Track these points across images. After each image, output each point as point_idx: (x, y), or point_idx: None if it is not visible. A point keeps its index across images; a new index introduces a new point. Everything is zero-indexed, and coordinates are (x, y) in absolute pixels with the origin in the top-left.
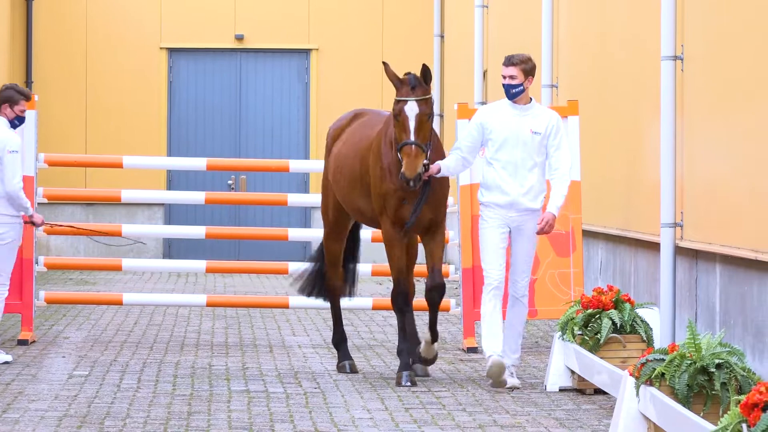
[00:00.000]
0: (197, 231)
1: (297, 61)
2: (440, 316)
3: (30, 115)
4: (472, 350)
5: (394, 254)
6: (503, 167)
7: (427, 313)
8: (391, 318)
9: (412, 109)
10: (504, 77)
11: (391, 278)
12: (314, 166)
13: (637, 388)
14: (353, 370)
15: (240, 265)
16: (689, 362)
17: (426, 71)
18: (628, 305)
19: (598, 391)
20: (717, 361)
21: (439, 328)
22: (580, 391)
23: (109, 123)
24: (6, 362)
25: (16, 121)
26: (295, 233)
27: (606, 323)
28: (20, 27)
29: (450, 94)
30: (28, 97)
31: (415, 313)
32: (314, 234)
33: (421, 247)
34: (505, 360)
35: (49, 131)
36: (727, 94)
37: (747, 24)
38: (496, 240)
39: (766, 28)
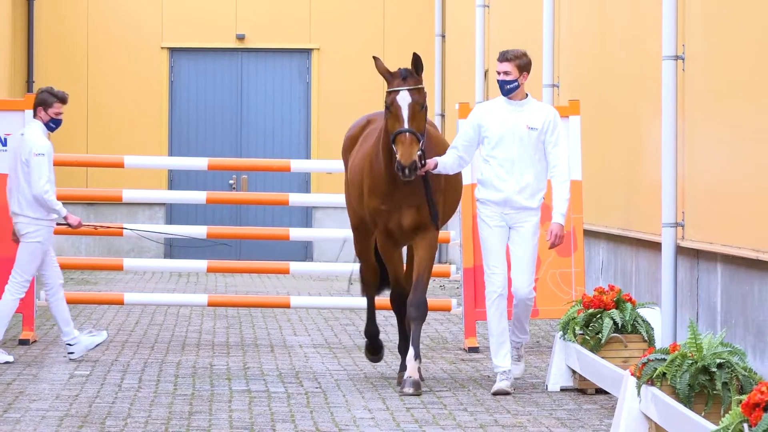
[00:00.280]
0: (198, 231)
1: (298, 60)
2: (441, 315)
3: (31, 116)
4: (474, 350)
5: (391, 262)
6: (500, 164)
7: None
8: (392, 318)
9: (404, 98)
10: (498, 73)
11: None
12: (315, 165)
13: (639, 387)
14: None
15: (241, 265)
16: (690, 362)
17: (417, 60)
18: (629, 305)
19: (600, 391)
20: (718, 360)
21: (439, 327)
22: (582, 391)
23: (110, 123)
24: (7, 362)
25: (52, 124)
26: (297, 233)
27: (607, 323)
28: (21, 27)
29: (451, 93)
30: (62, 100)
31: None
32: (315, 234)
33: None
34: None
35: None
36: (728, 93)
37: (748, 23)
38: (497, 241)
39: (767, 26)
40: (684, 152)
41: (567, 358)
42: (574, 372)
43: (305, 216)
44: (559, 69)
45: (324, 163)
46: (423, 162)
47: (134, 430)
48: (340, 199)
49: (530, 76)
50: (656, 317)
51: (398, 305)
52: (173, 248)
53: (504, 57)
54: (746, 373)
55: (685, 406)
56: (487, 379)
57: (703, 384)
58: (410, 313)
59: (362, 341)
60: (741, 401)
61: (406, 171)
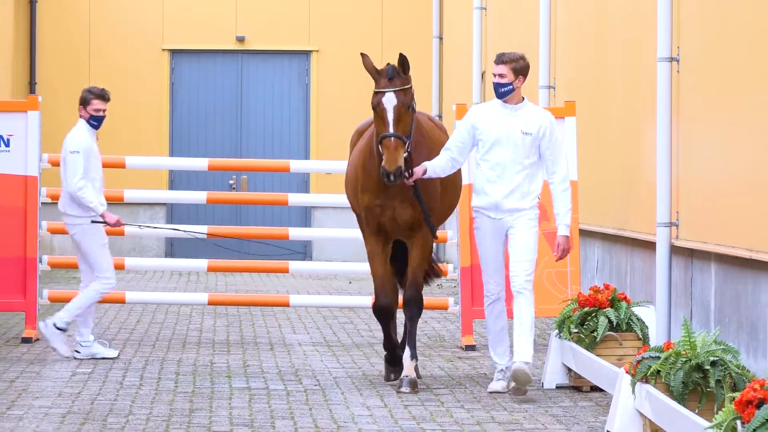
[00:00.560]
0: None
1: (297, 62)
2: (438, 314)
3: (33, 117)
4: (471, 348)
5: (374, 267)
6: (491, 168)
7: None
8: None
9: (389, 100)
10: (494, 75)
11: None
12: (314, 166)
13: (633, 385)
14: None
15: (241, 264)
16: (684, 360)
17: (403, 60)
18: (624, 304)
19: (595, 388)
20: (712, 358)
21: (437, 326)
22: (577, 389)
23: (111, 123)
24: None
25: (93, 121)
26: (296, 232)
27: (602, 321)
28: (24, 29)
29: (448, 95)
30: (100, 96)
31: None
32: (314, 233)
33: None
34: (514, 356)
35: (53, 132)
36: (722, 95)
37: (742, 26)
38: (492, 251)
39: (760, 30)
40: (678, 153)
41: (563, 356)
42: (569, 370)
43: (304, 216)
44: (556, 71)
45: (323, 164)
46: (410, 171)
47: (136, 426)
48: (339, 199)
49: (527, 78)
50: (651, 316)
51: (380, 317)
52: (174, 248)
53: (500, 60)
54: (739, 371)
55: (679, 403)
56: (484, 376)
57: (696, 381)
58: (406, 311)
59: (359, 340)
60: (734, 398)
61: (391, 177)
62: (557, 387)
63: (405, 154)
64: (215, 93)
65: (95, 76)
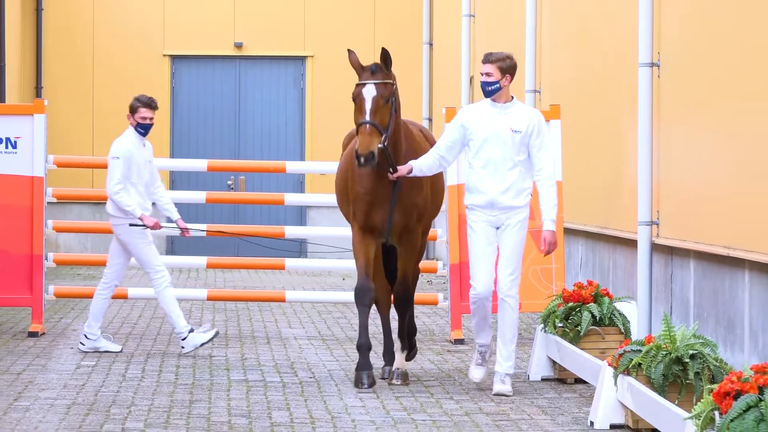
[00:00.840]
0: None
1: (293, 67)
2: (428, 309)
3: (39, 120)
4: (459, 342)
5: (358, 260)
6: (483, 167)
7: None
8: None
9: (369, 91)
10: (481, 74)
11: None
12: (309, 167)
13: (615, 377)
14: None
15: (239, 261)
16: (665, 353)
17: (386, 55)
18: (606, 299)
19: (579, 381)
20: (691, 352)
21: (427, 320)
22: (562, 381)
23: (115, 126)
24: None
25: (140, 129)
26: (292, 231)
27: (586, 316)
28: (30, 36)
29: (438, 99)
30: (146, 104)
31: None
32: (310, 232)
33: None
34: (496, 367)
35: (58, 134)
36: (701, 100)
37: (720, 33)
38: (483, 250)
39: (740, 36)
40: (659, 155)
41: (548, 350)
42: (554, 363)
43: (300, 215)
44: (541, 75)
45: (318, 165)
46: (395, 167)
47: (138, 417)
48: (333, 198)
49: (513, 82)
50: (632, 311)
51: (360, 298)
52: (174, 245)
53: (487, 59)
54: (717, 364)
55: (660, 394)
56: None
57: (676, 374)
58: (396, 305)
59: (353, 335)
60: (712, 390)
61: (362, 159)
62: (542, 379)
63: (380, 145)
64: (214, 97)
65: (99, 80)
